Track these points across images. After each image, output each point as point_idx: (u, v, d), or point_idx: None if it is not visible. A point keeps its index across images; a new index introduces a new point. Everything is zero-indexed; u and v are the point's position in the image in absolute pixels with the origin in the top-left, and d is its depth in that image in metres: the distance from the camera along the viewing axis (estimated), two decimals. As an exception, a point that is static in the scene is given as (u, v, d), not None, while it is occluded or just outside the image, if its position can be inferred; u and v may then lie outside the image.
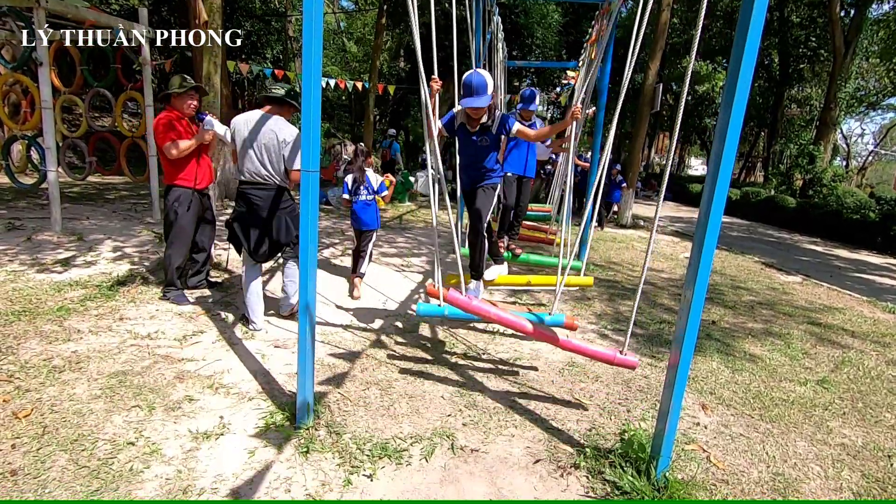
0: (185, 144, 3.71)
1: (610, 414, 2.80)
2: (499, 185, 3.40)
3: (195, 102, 3.87)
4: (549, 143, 5.14)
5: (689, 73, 2.03)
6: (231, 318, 3.77)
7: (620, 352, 2.71)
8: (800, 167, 16.25)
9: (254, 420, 2.45)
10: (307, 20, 2.07)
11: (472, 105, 2.95)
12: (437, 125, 2.94)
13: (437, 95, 2.99)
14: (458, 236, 2.91)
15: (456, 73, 3.21)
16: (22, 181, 7.25)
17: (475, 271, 3.52)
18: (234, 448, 2.23)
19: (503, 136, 3.26)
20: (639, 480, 2.12)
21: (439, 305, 2.93)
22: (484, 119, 3.10)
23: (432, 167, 2.92)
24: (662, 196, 2.20)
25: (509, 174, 4.57)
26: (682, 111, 2.08)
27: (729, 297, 5.67)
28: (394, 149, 13.61)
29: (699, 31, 1.95)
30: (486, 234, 3.38)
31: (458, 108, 3.18)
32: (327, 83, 11.08)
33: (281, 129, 3.32)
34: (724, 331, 4.41)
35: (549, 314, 3.06)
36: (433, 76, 2.97)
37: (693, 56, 2.02)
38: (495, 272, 3.73)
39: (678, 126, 2.08)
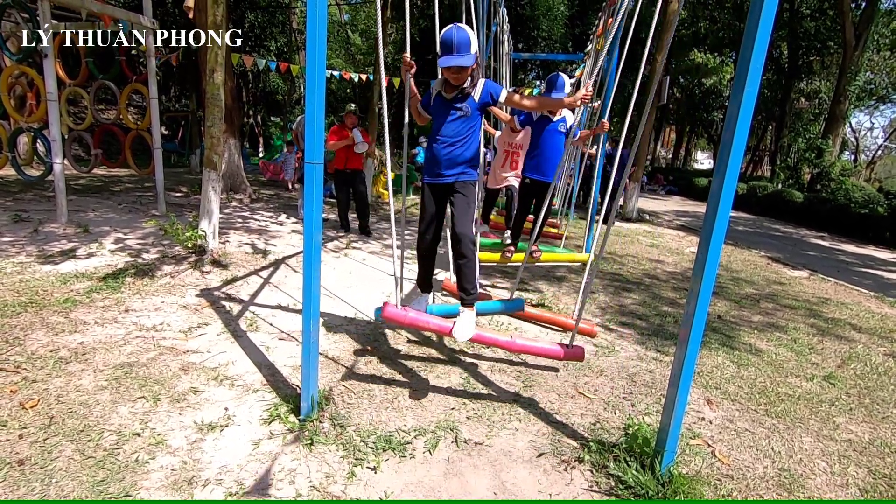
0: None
1: (614, 408, 2.79)
2: (478, 185, 2.80)
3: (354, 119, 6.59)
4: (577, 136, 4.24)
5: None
6: (235, 310, 3.78)
7: (568, 345, 2.80)
8: (807, 161, 16.04)
9: (258, 412, 2.46)
10: (311, 12, 2.05)
11: (452, 63, 2.42)
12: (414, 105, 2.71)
13: (411, 74, 2.66)
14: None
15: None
16: (28, 173, 7.29)
17: (464, 293, 2.76)
18: (239, 439, 2.24)
19: (491, 108, 2.78)
20: (643, 475, 2.12)
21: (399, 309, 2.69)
22: (466, 85, 2.58)
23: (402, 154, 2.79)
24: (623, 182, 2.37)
25: (528, 180, 4.08)
26: (637, 90, 2.05)
27: (734, 291, 5.64)
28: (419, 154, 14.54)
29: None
30: (469, 251, 2.69)
31: (436, 83, 2.74)
32: (331, 75, 11.00)
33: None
34: (729, 325, 4.39)
35: (509, 299, 3.42)
36: (405, 54, 2.60)
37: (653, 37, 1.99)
38: (470, 324, 2.69)
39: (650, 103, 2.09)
